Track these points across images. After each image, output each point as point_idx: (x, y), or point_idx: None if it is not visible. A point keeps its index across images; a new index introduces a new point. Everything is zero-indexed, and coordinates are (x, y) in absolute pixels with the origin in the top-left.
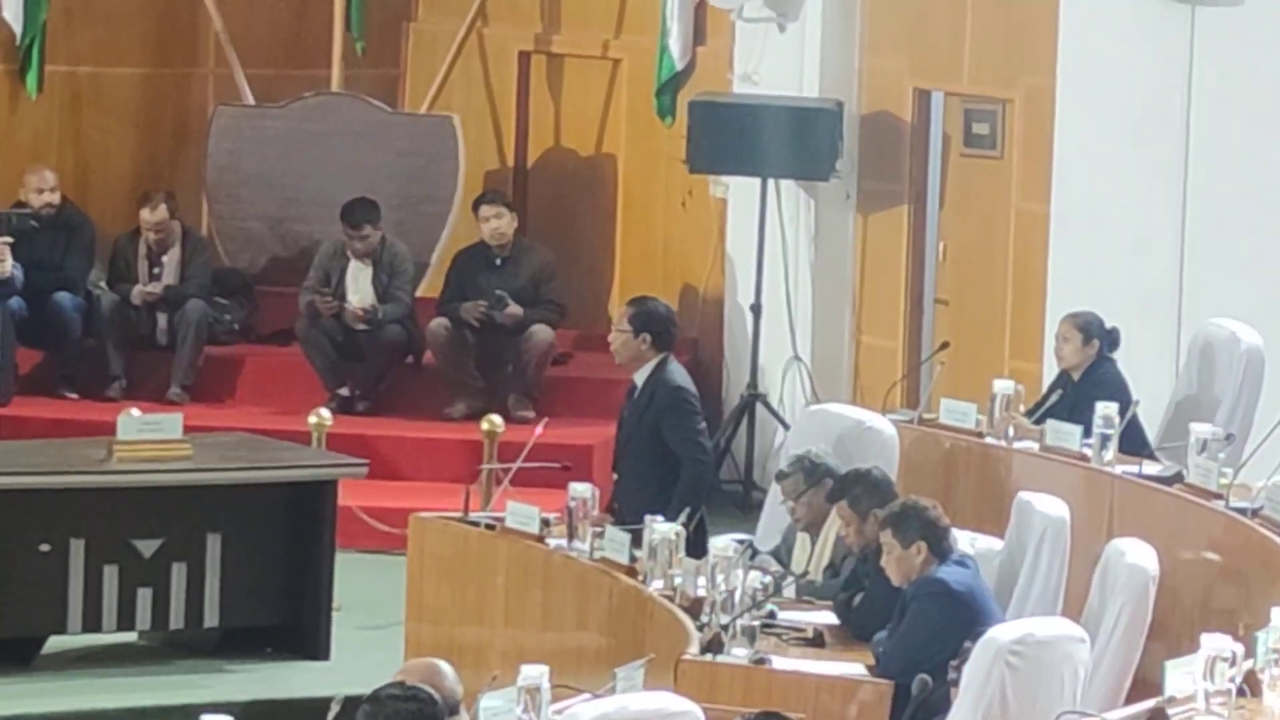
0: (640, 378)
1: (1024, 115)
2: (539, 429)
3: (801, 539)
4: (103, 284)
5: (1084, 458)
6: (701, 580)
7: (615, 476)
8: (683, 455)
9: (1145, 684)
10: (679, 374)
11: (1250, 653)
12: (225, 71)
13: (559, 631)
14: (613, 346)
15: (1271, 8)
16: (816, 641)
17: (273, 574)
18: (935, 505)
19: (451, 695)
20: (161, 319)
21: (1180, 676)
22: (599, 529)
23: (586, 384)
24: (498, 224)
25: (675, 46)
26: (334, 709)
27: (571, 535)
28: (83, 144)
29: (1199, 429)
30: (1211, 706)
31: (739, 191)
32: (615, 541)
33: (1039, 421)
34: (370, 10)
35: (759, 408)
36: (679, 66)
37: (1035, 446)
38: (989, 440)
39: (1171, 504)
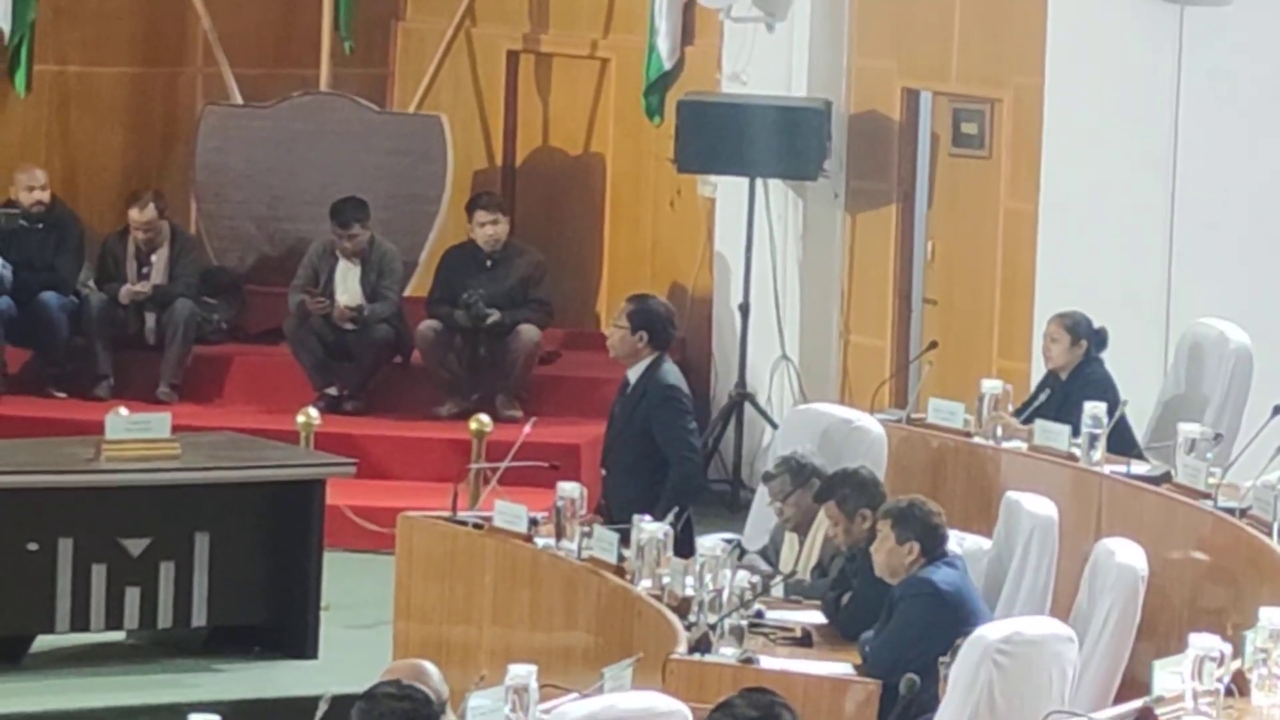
0: (634, 374)
1: (1012, 115)
2: (527, 428)
3: (789, 538)
4: (91, 283)
5: (1072, 457)
6: (690, 580)
7: (604, 472)
8: (670, 454)
9: (1134, 683)
10: (672, 373)
11: (1238, 652)
12: (214, 71)
13: (547, 631)
14: (609, 340)
15: (1260, 7)
16: (804, 641)
17: (261, 573)
18: (941, 512)
19: (437, 696)
20: (150, 318)
21: (1168, 676)
22: (587, 528)
23: (574, 383)
24: (494, 230)
25: (663, 46)
26: (322, 708)
27: (559, 534)
28: (71, 143)
29: (1187, 428)
30: (1200, 706)
31: (727, 191)
32: (603, 541)
33: (1027, 421)
34: (359, 10)
35: (747, 407)
36: (667, 66)
37: (1023, 446)
38: (977, 440)
39: (1160, 504)
